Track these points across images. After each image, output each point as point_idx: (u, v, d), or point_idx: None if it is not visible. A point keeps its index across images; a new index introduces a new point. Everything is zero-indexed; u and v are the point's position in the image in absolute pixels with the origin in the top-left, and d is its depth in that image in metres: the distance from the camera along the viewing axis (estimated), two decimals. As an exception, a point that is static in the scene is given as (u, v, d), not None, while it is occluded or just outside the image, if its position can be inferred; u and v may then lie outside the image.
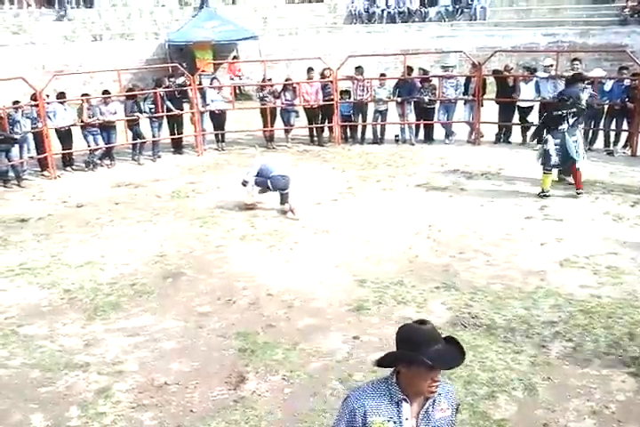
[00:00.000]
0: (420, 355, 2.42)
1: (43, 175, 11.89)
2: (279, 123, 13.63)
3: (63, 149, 12.17)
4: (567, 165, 9.62)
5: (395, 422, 2.54)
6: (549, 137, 9.43)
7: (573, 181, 9.78)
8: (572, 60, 12.43)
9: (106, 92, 12.64)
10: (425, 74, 13.43)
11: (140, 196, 10.55)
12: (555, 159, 9.44)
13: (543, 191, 9.63)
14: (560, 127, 9.31)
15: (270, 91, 13.42)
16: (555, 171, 9.84)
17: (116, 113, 12.32)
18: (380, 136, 13.51)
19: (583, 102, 9.52)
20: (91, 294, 6.93)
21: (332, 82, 13.15)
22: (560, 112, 9.31)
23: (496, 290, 6.66)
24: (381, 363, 2.60)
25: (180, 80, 13.62)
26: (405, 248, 7.88)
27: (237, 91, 17.85)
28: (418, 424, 2.57)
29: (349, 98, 13.26)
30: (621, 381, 5.06)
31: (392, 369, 2.59)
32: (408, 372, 2.49)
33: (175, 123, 13.09)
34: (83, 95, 12.38)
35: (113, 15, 21.45)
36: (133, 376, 5.38)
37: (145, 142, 12.76)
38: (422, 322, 2.54)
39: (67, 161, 12.28)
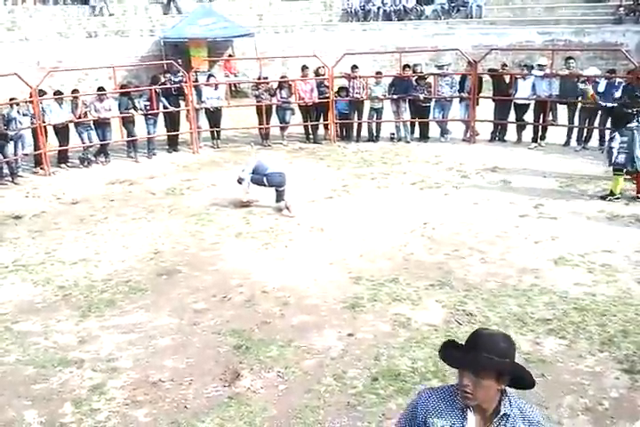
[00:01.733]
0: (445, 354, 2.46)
1: (35, 172, 11.84)
2: (275, 120, 13.62)
3: (60, 146, 12.13)
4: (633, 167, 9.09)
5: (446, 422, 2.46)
6: (616, 135, 9.15)
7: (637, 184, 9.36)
8: (567, 58, 12.47)
9: (100, 88, 12.60)
10: (418, 72, 13.42)
11: (135, 193, 10.53)
12: (620, 158, 9.03)
13: (612, 194, 9.20)
14: (629, 125, 9.03)
15: (266, 88, 13.41)
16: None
17: (110, 110, 12.28)
18: (375, 134, 13.51)
19: None
20: (85, 291, 6.92)
21: (327, 79, 13.15)
22: (630, 110, 9.05)
23: (490, 288, 6.68)
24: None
25: (179, 77, 13.57)
26: (400, 246, 7.89)
27: (233, 88, 17.83)
28: None
29: (346, 95, 13.25)
30: (615, 378, 5.09)
31: None
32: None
33: (171, 120, 13.06)
34: (73, 91, 12.33)
35: (107, 12, 21.36)
36: (128, 373, 5.38)
37: (136, 140, 12.71)
38: (494, 333, 2.50)
39: (62, 158, 12.24)
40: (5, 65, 15.58)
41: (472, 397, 2.39)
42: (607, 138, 9.59)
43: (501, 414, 2.42)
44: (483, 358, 2.35)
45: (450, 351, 2.49)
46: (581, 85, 11.40)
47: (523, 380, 2.49)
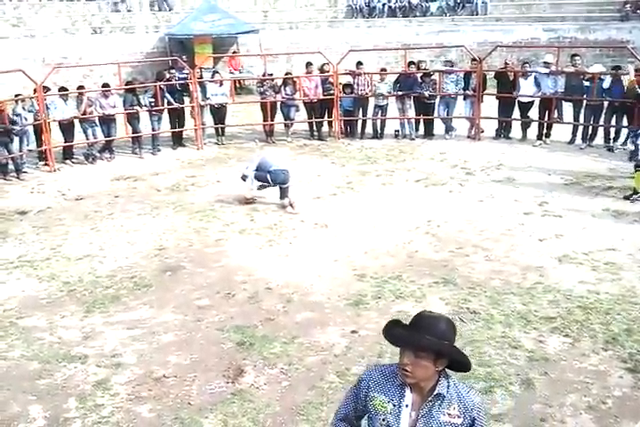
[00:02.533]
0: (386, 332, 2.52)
1: (38, 168, 11.86)
2: (279, 117, 13.61)
3: (65, 142, 12.16)
4: None
5: (394, 405, 2.51)
6: None
7: None
8: (572, 55, 12.43)
9: (105, 85, 12.61)
10: (421, 67, 13.39)
11: (140, 189, 10.54)
12: None
13: (636, 193, 8.95)
14: None
15: (270, 85, 13.39)
16: None
17: (115, 106, 12.29)
18: (379, 131, 13.49)
19: None
20: (90, 287, 6.93)
21: (332, 76, 13.13)
22: None
23: (494, 285, 6.67)
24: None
25: (183, 73, 13.58)
26: (404, 243, 7.88)
27: (238, 85, 17.84)
28: (418, 418, 2.49)
29: (351, 92, 13.22)
30: (618, 376, 5.08)
31: None
32: None
33: (176, 116, 13.06)
34: (78, 88, 12.35)
35: (113, 8, 21.40)
36: (131, 369, 5.39)
37: (141, 136, 12.72)
38: (436, 316, 2.56)
39: (67, 154, 12.25)
40: (11, 61, 15.61)
41: (411, 375, 2.46)
42: (630, 135, 9.39)
43: (436, 393, 2.48)
44: (422, 339, 2.41)
45: (393, 330, 2.55)
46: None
47: (460, 363, 2.56)
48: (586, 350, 5.44)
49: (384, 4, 21.27)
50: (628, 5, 19.06)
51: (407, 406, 2.50)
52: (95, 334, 5.98)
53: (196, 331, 5.97)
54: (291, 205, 9.20)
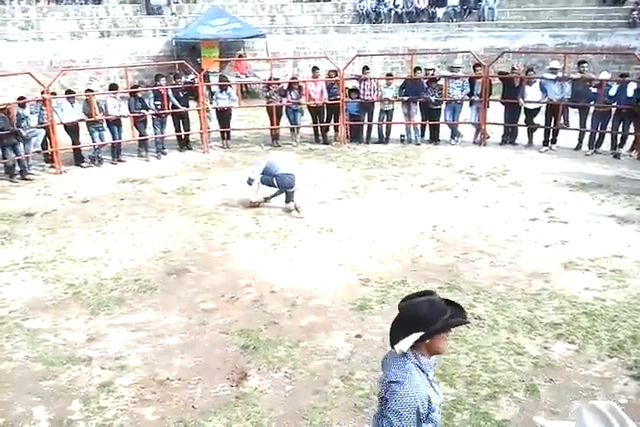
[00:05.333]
0: (456, 320, 2.80)
1: (45, 170, 11.90)
2: (285, 121, 13.63)
3: (72, 145, 12.19)
4: None
5: (436, 392, 2.85)
6: None
7: None
8: (580, 62, 12.40)
9: (113, 85, 12.61)
10: (430, 74, 13.41)
11: (146, 192, 10.57)
12: None
13: None
14: None
15: (276, 89, 13.43)
16: None
17: (120, 110, 12.30)
18: (385, 136, 13.50)
19: None
20: (95, 289, 6.95)
21: (338, 81, 13.15)
22: None
23: (500, 291, 6.65)
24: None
25: (190, 77, 13.64)
26: (409, 248, 7.87)
27: (244, 89, 17.89)
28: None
29: (357, 97, 13.24)
30: (624, 384, 5.05)
31: (406, 349, 2.76)
32: (434, 340, 2.75)
33: (181, 120, 13.09)
34: (86, 91, 12.40)
35: (120, 12, 21.50)
36: (136, 371, 5.39)
37: (147, 139, 12.76)
38: (429, 293, 2.86)
39: (77, 158, 12.24)
40: (19, 64, 15.70)
41: None
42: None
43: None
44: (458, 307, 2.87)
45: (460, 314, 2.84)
46: None
47: None
48: (591, 357, 5.42)
49: (391, 10, 21.31)
50: (636, 12, 19.07)
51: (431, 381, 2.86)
52: (100, 336, 5.98)
53: (201, 334, 5.98)
54: (296, 209, 9.21)
